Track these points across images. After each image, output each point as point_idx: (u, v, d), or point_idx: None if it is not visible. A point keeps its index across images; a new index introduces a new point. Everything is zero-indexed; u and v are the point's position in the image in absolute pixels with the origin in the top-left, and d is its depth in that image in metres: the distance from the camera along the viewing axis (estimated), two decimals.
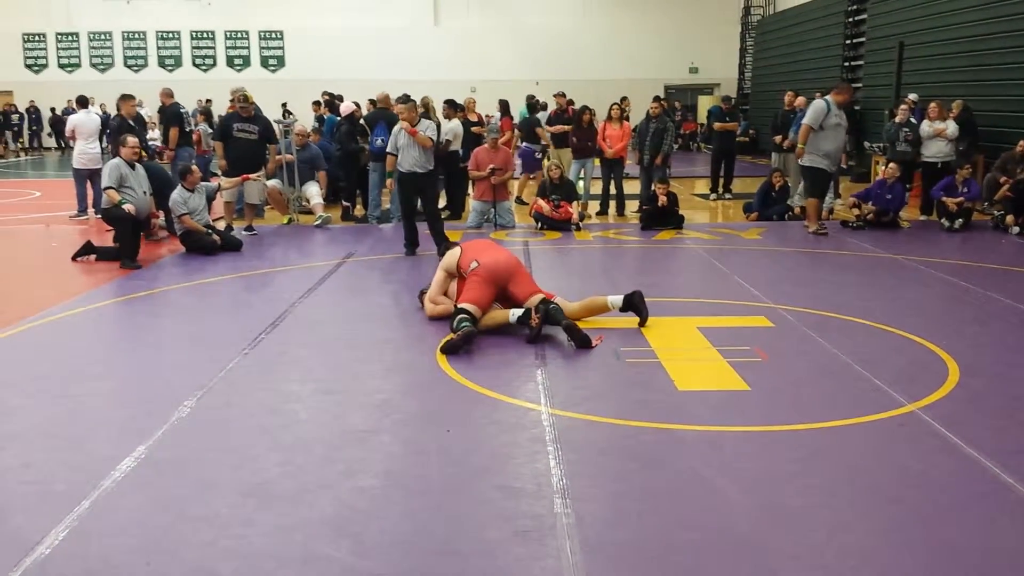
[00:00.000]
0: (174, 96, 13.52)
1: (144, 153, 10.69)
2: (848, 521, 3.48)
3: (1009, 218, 10.72)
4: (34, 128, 29.02)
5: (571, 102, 17.18)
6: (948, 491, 3.76)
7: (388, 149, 9.59)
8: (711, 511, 3.58)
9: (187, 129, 13.55)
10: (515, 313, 6.18)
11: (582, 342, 5.91)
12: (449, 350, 5.77)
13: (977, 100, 13.54)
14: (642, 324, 6.40)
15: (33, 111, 28.95)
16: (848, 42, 19.79)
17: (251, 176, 10.62)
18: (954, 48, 15.02)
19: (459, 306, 6.16)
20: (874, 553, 3.24)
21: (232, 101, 12.82)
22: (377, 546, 3.31)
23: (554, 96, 16.34)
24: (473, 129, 13.38)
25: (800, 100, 14.19)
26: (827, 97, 10.57)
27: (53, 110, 28.28)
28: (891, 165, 11.46)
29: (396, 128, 9.49)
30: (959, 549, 3.27)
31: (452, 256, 6.68)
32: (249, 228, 10.96)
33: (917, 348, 5.90)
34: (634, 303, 6.49)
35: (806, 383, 5.27)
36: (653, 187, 11.46)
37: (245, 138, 10.73)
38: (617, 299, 6.54)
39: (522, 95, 20.30)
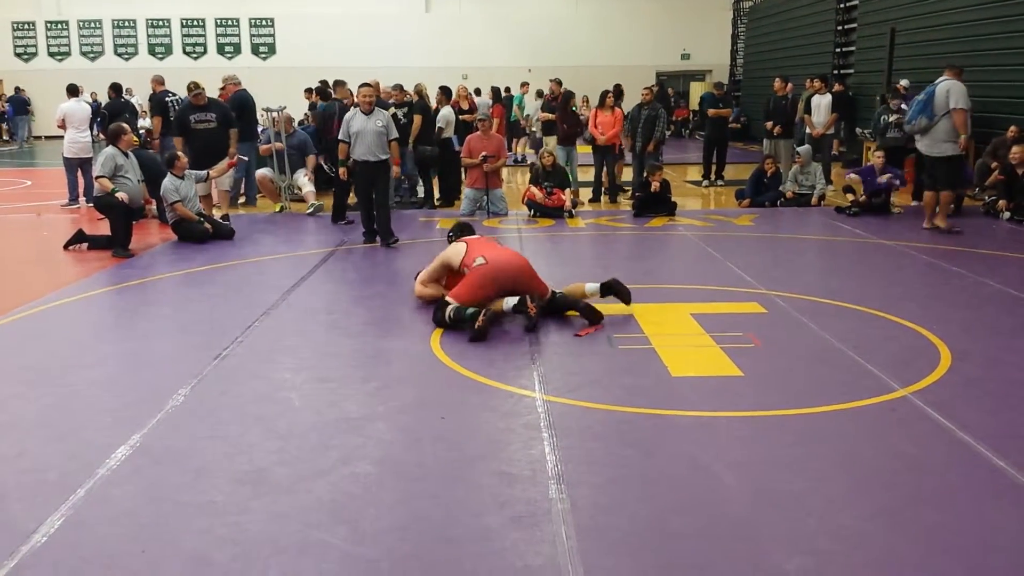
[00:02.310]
0: (165, 84, 13.45)
1: (136, 140, 10.63)
2: (841, 505, 3.51)
3: (1000, 203, 10.74)
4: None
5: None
6: (940, 475, 3.79)
7: (340, 136, 9.30)
8: (705, 496, 3.60)
9: (172, 118, 13.47)
10: (510, 301, 6.11)
11: (596, 319, 6.09)
12: (476, 337, 5.73)
13: (968, 86, 13.49)
14: (627, 303, 6.41)
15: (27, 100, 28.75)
16: (840, 28, 19.77)
17: (235, 161, 10.61)
18: (946, 34, 15.01)
19: (445, 298, 6.15)
20: (867, 537, 3.26)
21: (222, 89, 12.78)
22: (373, 532, 3.32)
23: (550, 81, 16.34)
24: (463, 117, 13.35)
25: (790, 87, 14.22)
26: (947, 78, 9.68)
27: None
28: (876, 153, 11.51)
29: (347, 115, 9.27)
30: (951, 533, 3.29)
31: (457, 249, 6.50)
32: (225, 217, 10.80)
33: (909, 333, 5.92)
34: (612, 288, 6.46)
35: (799, 368, 5.29)
36: (645, 174, 11.47)
37: (205, 128, 10.69)
38: (594, 286, 6.49)
39: (514, 82, 20.31)
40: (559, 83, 16.17)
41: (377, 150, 9.16)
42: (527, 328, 5.97)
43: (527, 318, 5.99)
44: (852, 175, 11.61)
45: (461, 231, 6.91)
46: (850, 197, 11.31)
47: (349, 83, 11.99)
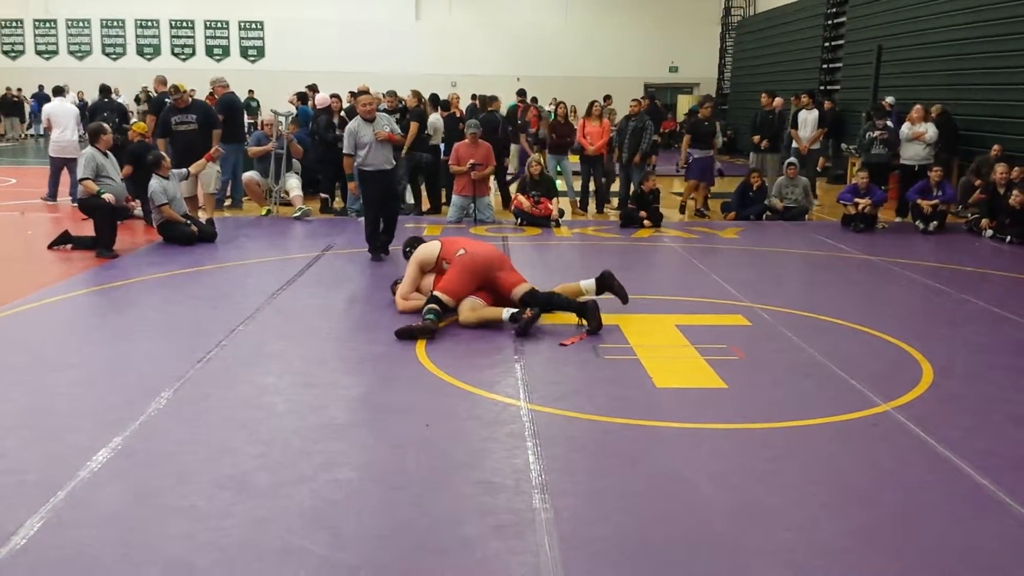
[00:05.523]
0: (167, 84, 13.37)
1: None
2: (821, 520, 3.52)
3: (984, 221, 10.84)
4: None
5: (534, 99, 17.64)
6: (921, 491, 3.81)
7: (345, 150, 8.86)
8: (687, 508, 3.61)
9: None
10: (508, 311, 6.19)
11: (594, 322, 6.09)
12: (402, 335, 5.90)
13: (954, 104, 13.68)
14: (624, 300, 6.56)
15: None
16: (827, 44, 19.93)
17: (212, 154, 10.52)
18: (932, 52, 15.16)
19: (434, 294, 6.23)
20: (845, 552, 3.27)
21: (211, 93, 12.74)
22: (355, 539, 3.31)
23: (516, 94, 16.76)
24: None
25: (777, 101, 14.30)
26: None
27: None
28: (860, 173, 11.58)
29: (351, 127, 8.86)
30: (931, 549, 3.31)
31: (430, 249, 6.66)
32: (210, 220, 10.66)
33: (892, 349, 5.96)
34: (606, 283, 6.58)
35: (782, 382, 5.31)
36: (640, 182, 11.51)
37: (186, 129, 10.75)
38: (589, 283, 6.62)
39: (504, 91, 20.30)
40: (522, 94, 16.63)
41: (390, 156, 8.92)
42: (519, 332, 6.01)
43: (522, 322, 6.04)
44: (844, 202, 11.50)
45: (414, 244, 7.02)
46: (851, 209, 11.24)
47: (338, 89, 11.96)
